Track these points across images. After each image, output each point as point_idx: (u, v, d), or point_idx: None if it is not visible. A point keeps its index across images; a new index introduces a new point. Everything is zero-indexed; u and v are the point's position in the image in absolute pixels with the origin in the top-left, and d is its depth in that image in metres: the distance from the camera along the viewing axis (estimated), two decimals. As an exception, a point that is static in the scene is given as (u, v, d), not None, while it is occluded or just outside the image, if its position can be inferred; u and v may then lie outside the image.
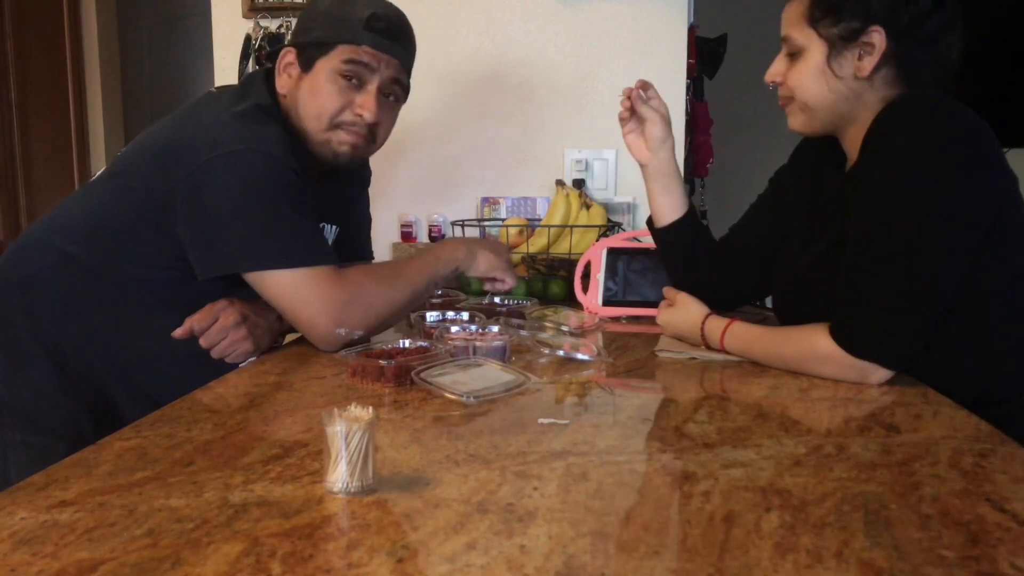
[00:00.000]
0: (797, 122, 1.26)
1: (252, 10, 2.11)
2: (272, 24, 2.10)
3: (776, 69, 1.25)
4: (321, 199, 1.36)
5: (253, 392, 1.10)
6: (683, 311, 1.34)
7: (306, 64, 1.34)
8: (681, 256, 1.46)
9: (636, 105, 1.41)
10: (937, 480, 0.78)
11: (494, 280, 1.47)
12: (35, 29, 3.39)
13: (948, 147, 1.08)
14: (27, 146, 3.36)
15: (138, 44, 4.07)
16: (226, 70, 2.17)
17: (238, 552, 0.63)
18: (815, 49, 1.19)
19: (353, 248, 1.55)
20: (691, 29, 2.08)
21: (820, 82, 1.19)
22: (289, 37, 1.40)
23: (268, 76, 1.39)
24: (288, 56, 1.36)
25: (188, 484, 0.76)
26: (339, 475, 0.73)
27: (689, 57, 2.03)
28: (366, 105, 1.33)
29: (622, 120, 1.44)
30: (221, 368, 1.37)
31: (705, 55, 2.45)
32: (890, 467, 0.82)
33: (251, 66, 2.10)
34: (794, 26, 1.21)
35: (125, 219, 1.26)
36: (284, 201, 1.24)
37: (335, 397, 1.06)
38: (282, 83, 1.36)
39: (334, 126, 1.34)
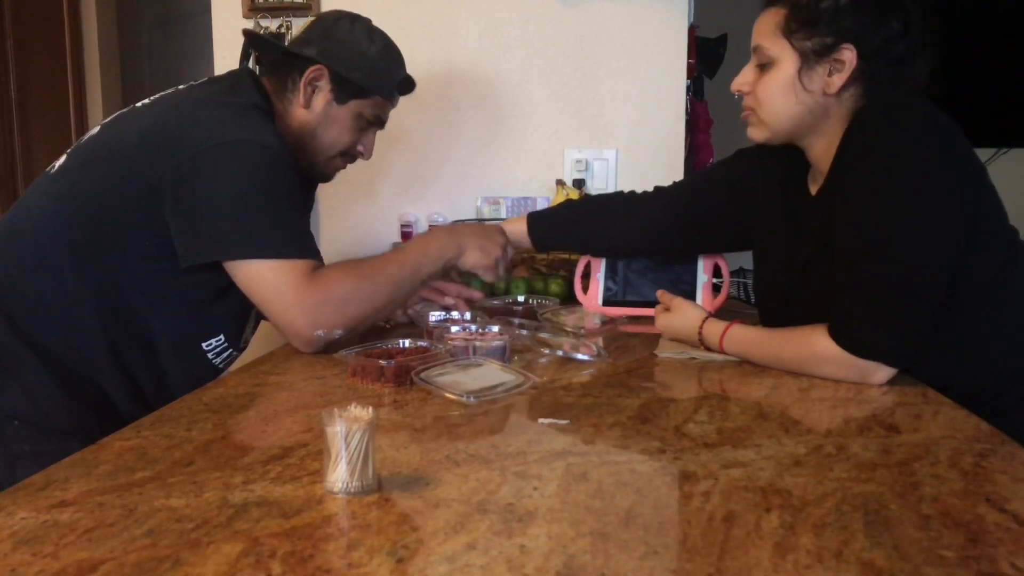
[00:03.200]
0: (759, 133, 1.27)
1: (252, 10, 2.11)
2: (272, 24, 2.10)
3: (744, 79, 1.26)
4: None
5: (253, 392, 1.10)
6: (680, 315, 1.34)
7: (341, 97, 1.41)
8: (574, 239, 1.60)
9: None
10: (937, 480, 0.78)
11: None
12: (35, 29, 3.39)
13: (927, 144, 1.10)
14: (27, 146, 3.36)
15: (138, 44, 4.06)
16: (226, 70, 2.16)
17: (238, 552, 0.63)
18: (787, 61, 1.19)
19: None
20: (691, 29, 2.08)
21: (789, 95, 1.20)
22: (314, 50, 1.39)
23: (254, 76, 1.40)
24: (318, 75, 1.39)
25: (188, 484, 0.76)
26: (339, 475, 0.73)
27: (689, 57, 2.03)
28: (369, 147, 1.50)
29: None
30: (212, 365, 1.37)
31: (705, 55, 2.45)
32: (890, 467, 0.82)
33: (251, 66, 2.10)
34: (767, 37, 1.22)
35: (107, 206, 1.23)
36: (280, 193, 1.25)
37: (335, 397, 1.06)
38: (303, 95, 1.39)
39: (338, 156, 1.47)
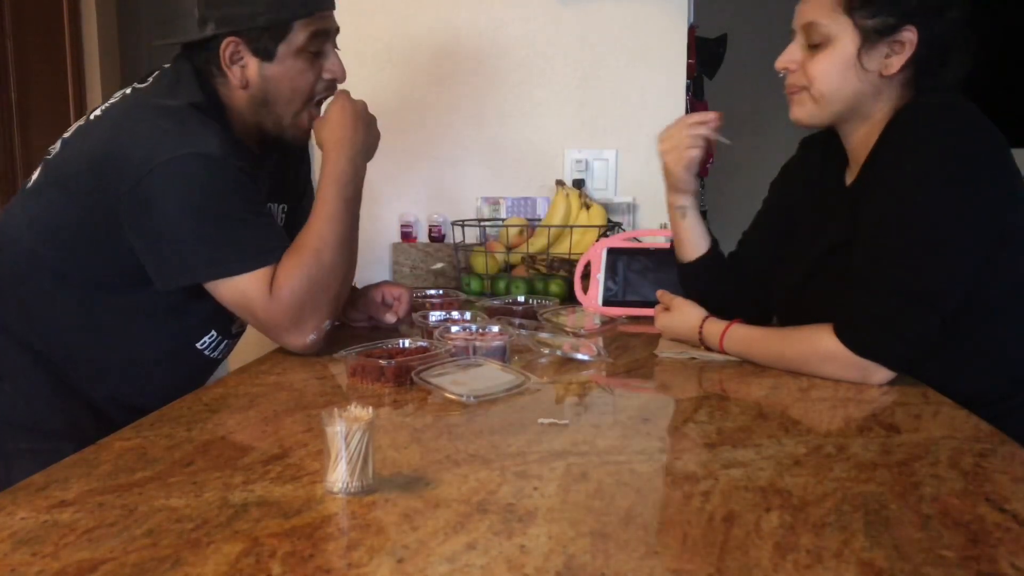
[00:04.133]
0: (804, 112, 1.22)
1: (252, 10, 2.11)
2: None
3: (791, 56, 1.21)
4: (271, 181, 1.34)
5: (253, 392, 1.10)
6: (680, 315, 1.33)
7: (265, 53, 1.26)
8: (705, 288, 1.40)
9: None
10: (937, 480, 0.78)
11: None
12: (35, 29, 3.39)
13: (963, 153, 1.08)
14: (27, 146, 3.36)
15: (138, 44, 4.07)
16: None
17: (238, 552, 0.63)
18: (847, 39, 1.16)
19: (302, 223, 1.53)
20: (691, 29, 2.08)
21: (847, 74, 1.17)
22: (211, 26, 1.25)
23: (196, 69, 1.29)
24: (232, 47, 1.26)
25: (188, 484, 0.76)
26: (339, 475, 0.73)
27: (689, 57, 2.03)
28: (335, 69, 1.32)
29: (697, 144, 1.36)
30: (210, 359, 1.36)
31: (705, 55, 2.45)
32: (890, 467, 0.82)
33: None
34: (825, 13, 1.17)
35: (76, 232, 1.22)
36: (231, 202, 1.19)
37: (335, 397, 1.06)
38: (234, 77, 1.28)
39: (308, 103, 1.32)
